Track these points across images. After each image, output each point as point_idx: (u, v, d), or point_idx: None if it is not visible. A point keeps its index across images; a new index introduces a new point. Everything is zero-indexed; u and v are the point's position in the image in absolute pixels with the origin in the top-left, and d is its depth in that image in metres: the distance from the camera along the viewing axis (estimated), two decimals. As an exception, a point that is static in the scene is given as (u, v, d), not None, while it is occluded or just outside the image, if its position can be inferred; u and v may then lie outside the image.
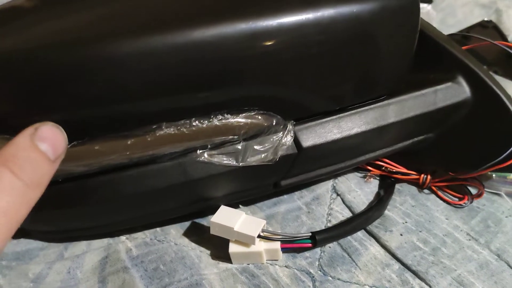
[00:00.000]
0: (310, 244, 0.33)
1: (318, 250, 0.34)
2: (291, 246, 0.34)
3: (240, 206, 0.38)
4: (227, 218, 0.32)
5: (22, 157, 0.21)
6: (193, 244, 0.35)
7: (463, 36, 0.48)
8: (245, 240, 0.32)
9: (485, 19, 0.56)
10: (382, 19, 0.29)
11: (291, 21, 0.27)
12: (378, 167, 0.39)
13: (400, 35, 0.31)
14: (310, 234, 0.34)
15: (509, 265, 0.33)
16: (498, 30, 0.54)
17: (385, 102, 0.34)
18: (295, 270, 0.33)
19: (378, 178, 0.40)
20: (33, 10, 0.27)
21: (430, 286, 0.32)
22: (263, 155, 0.31)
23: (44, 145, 0.22)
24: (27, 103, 0.26)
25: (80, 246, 0.35)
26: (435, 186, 0.38)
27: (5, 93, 0.26)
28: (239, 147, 0.30)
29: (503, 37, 0.52)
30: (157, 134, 0.28)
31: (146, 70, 0.25)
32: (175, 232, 0.36)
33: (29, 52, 0.25)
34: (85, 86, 0.25)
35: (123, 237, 0.36)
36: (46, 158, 0.22)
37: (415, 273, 0.33)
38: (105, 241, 0.35)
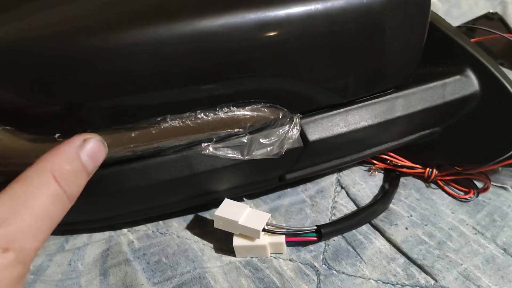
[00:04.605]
0: (315, 238, 0.33)
1: (322, 243, 0.34)
2: (296, 239, 0.33)
3: (244, 199, 0.37)
4: (232, 212, 0.32)
5: (68, 170, 0.22)
6: (196, 237, 0.35)
7: (468, 28, 0.48)
8: (249, 234, 0.32)
9: (491, 11, 0.56)
10: (392, 10, 0.29)
11: (299, 11, 0.26)
12: (383, 161, 0.39)
13: (410, 26, 0.30)
14: (315, 227, 0.33)
15: (515, 260, 0.33)
16: (503, 22, 0.53)
17: (393, 95, 0.33)
18: (299, 263, 0.33)
19: (382, 171, 0.40)
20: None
21: (436, 280, 0.31)
22: (268, 149, 0.31)
23: (87, 158, 0.23)
24: (30, 95, 0.25)
25: (81, 238, 0.35)
26: (440, 180, 0.38)
27: (8, 83, 0.25)
28: (245, 140, 0.30)
29: (509, 29, 0.52)
30: (162, 127, 0.27)
31: (152, 61, 0.25)
32: (177, 225, 0.36)
33: (31, 41, 0.24)
34: (88, 77, 0.25)
35: (125, 230, 0.35)
36: (85, 172, 0.23)
37: (420, 267, 0.32)
38: (106, 233, 0.35)
